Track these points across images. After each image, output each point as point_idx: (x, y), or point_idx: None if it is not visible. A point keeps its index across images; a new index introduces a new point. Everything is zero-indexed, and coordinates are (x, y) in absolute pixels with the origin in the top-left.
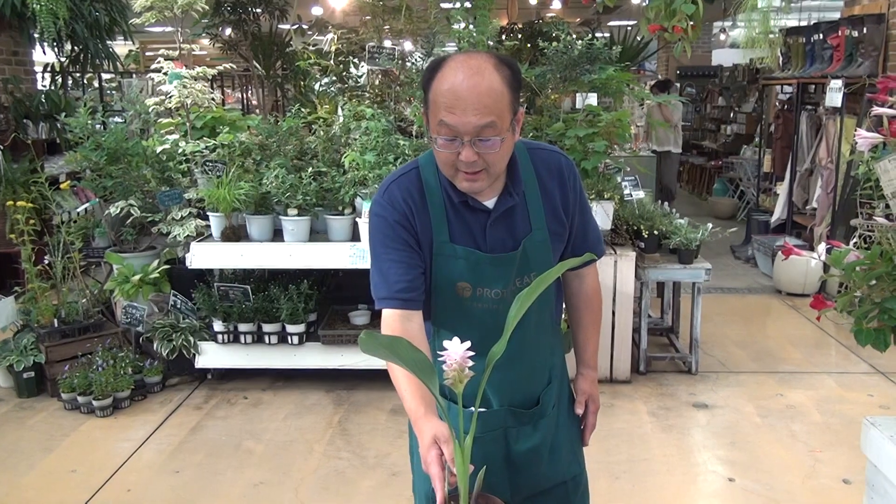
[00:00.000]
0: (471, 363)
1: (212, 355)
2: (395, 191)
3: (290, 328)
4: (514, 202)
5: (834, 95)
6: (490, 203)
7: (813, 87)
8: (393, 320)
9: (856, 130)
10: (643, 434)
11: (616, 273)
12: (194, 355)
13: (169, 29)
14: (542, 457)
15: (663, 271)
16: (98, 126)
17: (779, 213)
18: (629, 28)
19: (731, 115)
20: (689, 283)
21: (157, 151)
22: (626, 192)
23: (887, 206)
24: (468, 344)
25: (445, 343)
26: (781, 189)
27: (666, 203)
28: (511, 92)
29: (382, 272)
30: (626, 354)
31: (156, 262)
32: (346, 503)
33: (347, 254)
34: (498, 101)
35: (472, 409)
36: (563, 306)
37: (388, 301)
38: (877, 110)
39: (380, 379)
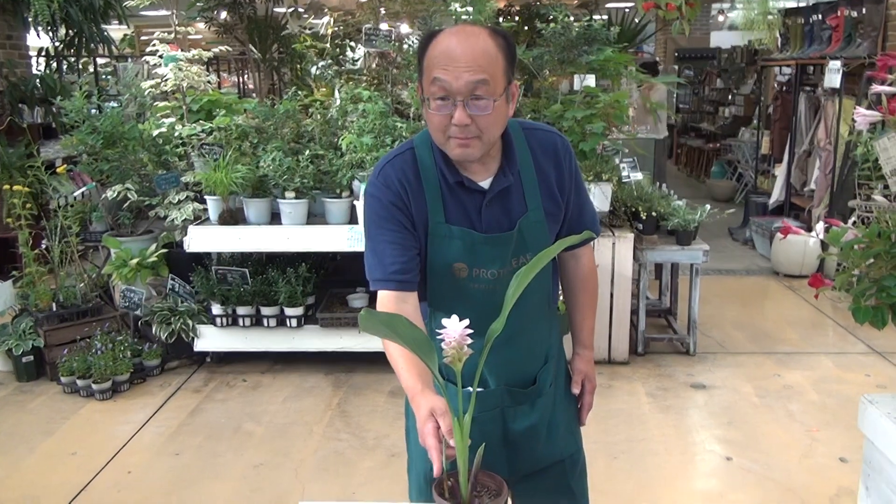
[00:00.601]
0: (469, 341)
1: (210, 339)
2: (390, 171)
3: (289, 311)
4: (509, 182)
5: (832, 76)
6: (485, 183)
7: (811, 68)
8: (388, 301)
9: (855, 109)
10: (641, 414)
11: (614, 255)
12: (193, 339)
13: (164, 12)
14: (539, 435)
15: (661, 253)
16: (94, 110)
17: (777, 194)
18: (627, 10)
19: (730, 97)
20: (688, 264)
21: (154, 135)
22: (625, 173)
23: (886, 187)
24: (467, 322)
25: (444, 321)
26: (779, 171)
27: (664, 185)
28: (505, 60)
29: (377, 253)
30: (625, 336)
31: (153, 246)
32: (346, 484)
33: (345, 237)
34: (492, 63)
35: (470, 389)
36: (560, 287)
37: (383, 282)
38: (876, 88)
39: (378, 361)
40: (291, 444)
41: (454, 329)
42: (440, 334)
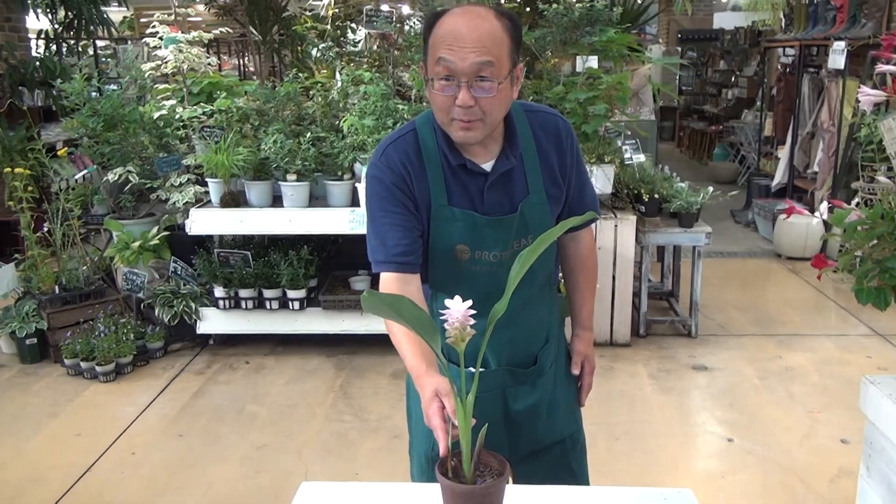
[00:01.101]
0: (473, 321)
1: (213, 321)
2: (392, 153)
3: (291, 294)
4: (511, 165)
5: (837, 57)
6: (488, 166)
7: (815, 49)
8: (391, 283)
9: (859, 89)
10: (643, 396)
11: (616, 237)
12: (196, 321)
13: None
14: (539, 415)
15: (664, 235)
16: (94, 93)
17: (779, 177)
18: None
19: (733, 78)
20: (690, 246)
21: (154, 117)
22: (627, 155)
23: (889, 168)
24: (470, 302)
25: (447, 302)
26: (782, 153)
27: (667, 167)
28: (511, 42)
29: (380, 236)
30: (627, 318)
31: (155, 229)
32: (349, 465)
33: (347, 219)
34: (498, 44)
35: (472, 369)
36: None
37: (386, 265)
38: (881, 68)
39: (380, 344)
40: (294, 425)
41: (457, 310)
42: (443, 315)
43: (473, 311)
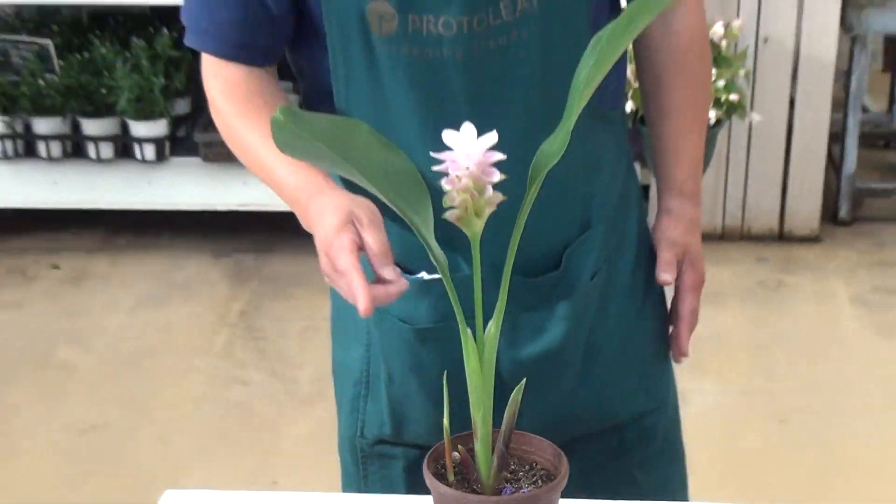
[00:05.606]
0: (497, 175)
1: None
2: None
3: (139, 128)
4: None
5: None
6: None
7: None
8: (234, 80)
9: None
10: (841, 338)
11: (800, 19)
12: None
13: None
14: (562, 374)
15: None
16: None
17: None
18: None
19: None
20: None
21: None
22: None
23: None
24: (492, 136)
25: (447, 133)
26: None
27: None
28: None
29: None
30: (814, 185)
31: None
32: (259, 462)
33: None
34: None
35: (424, 275)
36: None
37: (214, 41)
38: None
39: None
40: (149, 389)
41: (467, 148)
42: (439, 158)
43: (500, 156)
